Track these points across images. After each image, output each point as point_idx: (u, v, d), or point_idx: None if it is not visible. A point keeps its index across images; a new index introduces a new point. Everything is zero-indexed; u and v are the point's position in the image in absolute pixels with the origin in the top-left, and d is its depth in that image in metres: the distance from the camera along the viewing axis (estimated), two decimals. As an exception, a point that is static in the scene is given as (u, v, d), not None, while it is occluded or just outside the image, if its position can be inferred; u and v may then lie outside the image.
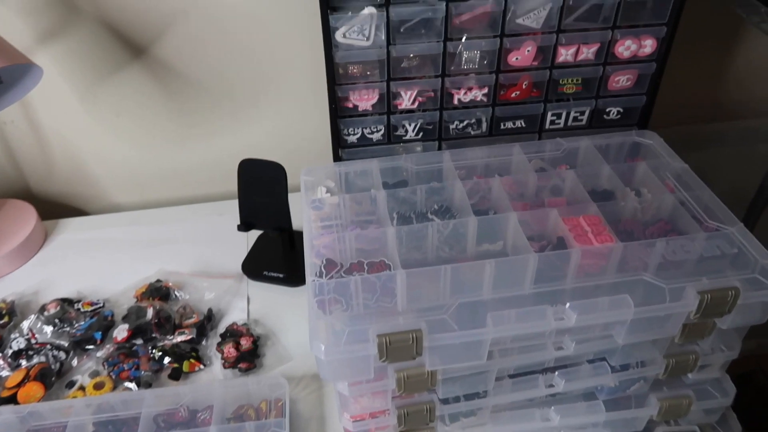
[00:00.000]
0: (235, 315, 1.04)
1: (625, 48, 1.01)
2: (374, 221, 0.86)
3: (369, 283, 0.74)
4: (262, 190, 1.04)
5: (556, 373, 0.81)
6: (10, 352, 0.95)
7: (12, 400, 0.89)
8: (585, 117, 1.09)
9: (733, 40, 1.29)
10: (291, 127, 1.27)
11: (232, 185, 1.04)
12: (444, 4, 0.93)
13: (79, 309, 1.02)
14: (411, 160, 0.93)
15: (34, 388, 0.90)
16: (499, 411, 0.84)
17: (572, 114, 1.08)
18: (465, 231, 0.82)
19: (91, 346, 0.97)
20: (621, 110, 1.09)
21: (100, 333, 0.98)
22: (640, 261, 0.77)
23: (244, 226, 1.08)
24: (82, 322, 0.99)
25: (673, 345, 0.80)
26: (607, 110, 1.08)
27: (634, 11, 0.99)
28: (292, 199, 1.03)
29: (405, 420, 0.78)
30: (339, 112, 1.03)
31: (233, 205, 1.07)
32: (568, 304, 0.71)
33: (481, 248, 0.83)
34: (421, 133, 1.07)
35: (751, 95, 1.39)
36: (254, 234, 1.15)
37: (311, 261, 0.78)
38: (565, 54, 1.01)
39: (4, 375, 0.92)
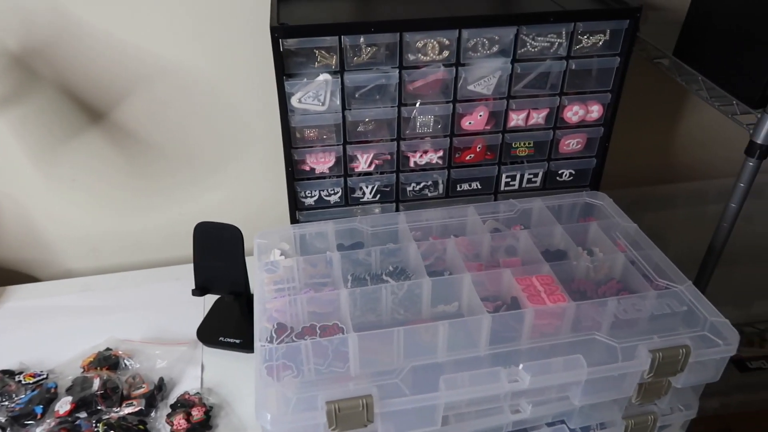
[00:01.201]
0: (188, 384, 1.00)
1: (573, 113, 1.05)
2: (329, 283, 0.85)
3: (321, 348, 0.72)
4: (218, 254, 1.02)
5: (515, 437, 0.79)
6: (-60, 430, 0.89)
7: (-62, 482, 0.83)
8: (539, 179, 1.11)
9: (677, 106, 1.36)
10: (249, 191, 1.28)
11: (190, 250, 1.03)
12: (397, 71, 0.96)
13: (20, 381, 0.97)
14: (367, 221, 0.93)
15: (-36, 469, 0.84)
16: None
17: (526, 176, 1.10)
18: (420, 292, 0.82)
19: (30, 422, 0.91)
20: (573, 172, 1.12)
21: (41, 407, 0.92)
22: (593, 320, 0.77)
23: (200, 290, 1.05)
24: (23, 396, 0.94)
25: (631, 406, 0.80)
26: (560, 172, 1.11)
27: (579, 79, 1.03)
28: (252, 262, 1.01)
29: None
30: (296, 175, 1.03)
31: (190, 270, 1.05)
32: (521, 366, 0.70)
33: (437, 309, 0.82)
34: (378, 195, 1.08)
35: (698, 159, 1.44)
36: (211, 299, 1.13)
37: (262, 325, 0.76)
38: (516, 119, 1.04)
39: (-68, 455, 0.86)
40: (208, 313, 1.12)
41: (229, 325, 1.09)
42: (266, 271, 0.86)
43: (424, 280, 0.81)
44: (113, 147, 1.18)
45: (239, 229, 1.00)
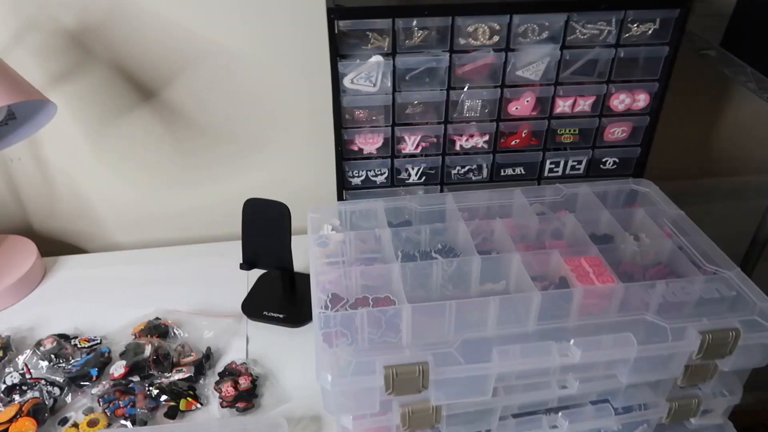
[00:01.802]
0: (233, 354, 1.03)
1: (620, 101, 1.06)
2: (379, 259, 0.87)
3: (374, 318, 0.74)
4: (265, 230, 1.05)
5: (560, 413, 0.80)
6: (3, 386, 0.93)
7: (3, 435, 0.87)
8: (582, 166, 1.12)
9: (723, 98, 1.35)
10: (295, 171, 1.30)
11: (236, 227, 1.06)
12: (447, 55, 0.98)
13: (75, 345, 1.01)
14: (415, 201, 0.95)
15: (27, 424, 0.87)
16: (502, 452, 0.83)
17: (570, 163, 1.11)
18: (469, 270, 0.83)
19: (86, 383, 0.95)
20: (617, 160, 1.12)
21: (96, 369, 0.96)
22: (641, 302, 0.78)
23: (247, 264, 1.08)
24: (79, 358, 0.98)
25: (675, 388, 0.81)
26: (604, 160, 1.12)
27: (627, 67, 1.04)
28: (295, 241, 1.04)
29: (407, 459, 0.76)
30: (344, 155, 1.06)
31: (235, 247, 1.08)
32: (572, 341, 0.71)
33: (485, 287, 0.84)
34: (423, 178, 1.10)
35: (740, 152, 1.44)
36: (255, 275, 1.16)
37: (317, 296, 0.79)
38: (562, 105, 1.05)
39: (-5, 410, 0.90)
40: (252, 288, 1.15)
41: (273, 300, 1.12)
42: (318, 245, 0.88)
43: (473, 257, 0.83)
44: (162, 125, 1.22)
45: (287, 206, 1.02)
